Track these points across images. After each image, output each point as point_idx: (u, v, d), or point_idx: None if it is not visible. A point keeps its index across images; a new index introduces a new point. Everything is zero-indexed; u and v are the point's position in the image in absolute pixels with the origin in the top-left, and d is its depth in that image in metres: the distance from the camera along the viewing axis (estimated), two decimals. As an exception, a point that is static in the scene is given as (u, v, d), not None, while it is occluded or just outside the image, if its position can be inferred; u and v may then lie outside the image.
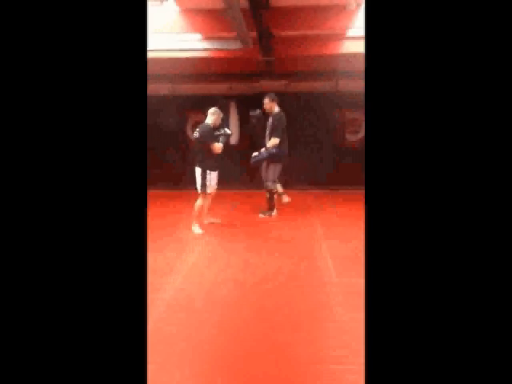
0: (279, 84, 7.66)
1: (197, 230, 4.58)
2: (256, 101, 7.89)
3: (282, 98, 7.80)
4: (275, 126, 4.95)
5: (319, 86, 7.48)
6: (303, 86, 7.75)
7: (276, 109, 5.10)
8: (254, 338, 2.31)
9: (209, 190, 4.54)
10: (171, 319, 2.54)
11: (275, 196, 5.27)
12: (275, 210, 5.28)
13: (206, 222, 4.89)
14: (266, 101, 5.07)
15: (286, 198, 5.69)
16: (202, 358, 2.11)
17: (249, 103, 7.89)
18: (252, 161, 5.20)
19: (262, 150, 5.06)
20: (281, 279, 3.20)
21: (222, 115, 4.65)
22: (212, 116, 4.58)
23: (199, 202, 4.55)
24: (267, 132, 5.08)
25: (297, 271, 3.37)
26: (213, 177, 4.58)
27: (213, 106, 4.51)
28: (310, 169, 7.82)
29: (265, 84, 7.69)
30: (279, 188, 5.52)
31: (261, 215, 5.27)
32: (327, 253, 3.78)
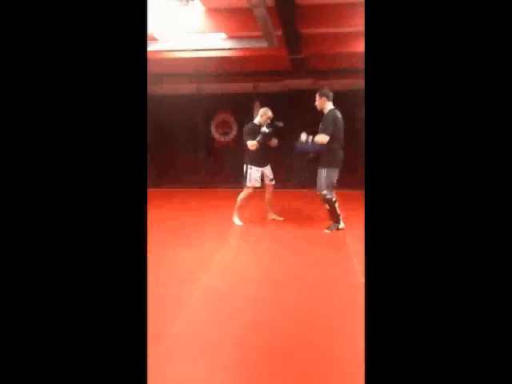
0: (305, 82, 7.56)
1: (237, 221, 4.89)
2: (281, 99, 7.87)
3: (308, 96, 7.69)
4: (326, 125, 4.27)
5: (347, 83, 7.33)
6: (330, 84, 7.62)
7: (329, 106, 4.38)
8: (289, 337, 2.30)
9: (249, 184, 4.74)
10: (205, 315, 2.55)
11: (337, 205, 4.49)
12: (342, 222, 4.57)
13: (269, 217, 5.11)
14: (317, 97, 4.42)
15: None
16: (235, 355, 2.11)
17: (274, 102, 7.87)
18: (296, 146, 4.61)
19: (311, 138, 4.43)
20: (310, 279, 3.19)
21: (270, 115, 4.78)
22: (259, 117, 4.78)
23: (241, 194, 4.83)
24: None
25: (327, 272, 3.33)
26: (253, 171, 4.74)
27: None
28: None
29: (291, 82, 7.61)
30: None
31: (326, 231, 4.54)
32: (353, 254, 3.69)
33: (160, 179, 8.10)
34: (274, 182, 4.92)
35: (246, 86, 7.81)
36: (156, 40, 5.05)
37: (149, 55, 5.70)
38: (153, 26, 4.46)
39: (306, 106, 7.99)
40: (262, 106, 4.84)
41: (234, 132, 8.09)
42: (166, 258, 3.70)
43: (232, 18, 4.43)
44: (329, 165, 4.34)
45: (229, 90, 7.91)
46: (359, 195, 6.03)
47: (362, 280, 3.10)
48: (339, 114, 4.39)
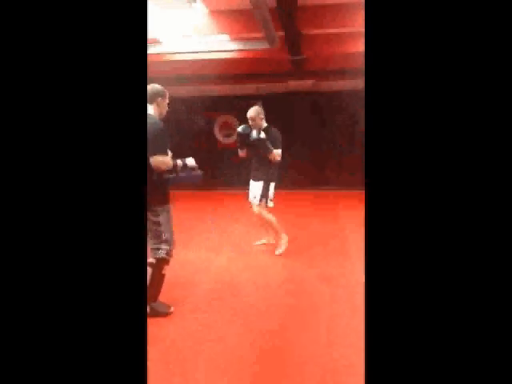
0: (307, 83, 7.61)
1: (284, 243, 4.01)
2: (283, 101, 7.93)
3: (310, 98, 7.74)
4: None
5: (348, 84, 7.38)
6: (331, 85, 7.68)
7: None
8: (290, 339, 2.29)
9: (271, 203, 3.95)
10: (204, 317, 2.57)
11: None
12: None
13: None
14: (254, 115, 3.74)
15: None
16: (234, 358, 2.12)
17: (276, 103, 7.93)
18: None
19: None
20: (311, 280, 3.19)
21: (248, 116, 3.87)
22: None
23: (269, 216, 3.95)
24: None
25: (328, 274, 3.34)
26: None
27: (249, 106, 3.97)
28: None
29: (292, 83, 7.67)
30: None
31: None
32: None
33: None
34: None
35: (249, 88, 7.87)
36: (160, 42, 5.12)
37: (152, 58, 5.76)
38: (156, 29, 4.53)
39: (308, 107, 8.08)
40: (264, 108, 4.29)
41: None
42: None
43: (235, 19, 4.49)
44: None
45: (231, 92, 7.97)
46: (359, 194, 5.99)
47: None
48: None
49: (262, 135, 3.55)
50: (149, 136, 2.37)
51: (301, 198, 7.21)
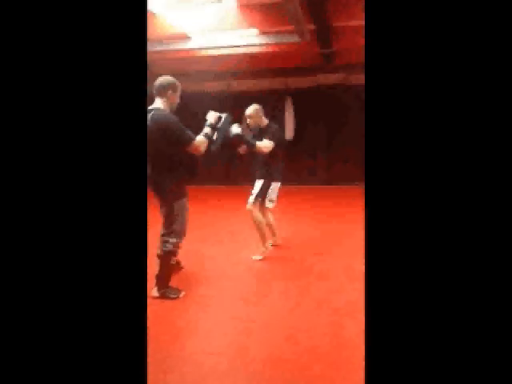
0: (337, 77, 7.49)
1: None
2: (312, 95, 7.82)
3: (340, 91, 7.60)
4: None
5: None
6: (361, 79, 7.51)
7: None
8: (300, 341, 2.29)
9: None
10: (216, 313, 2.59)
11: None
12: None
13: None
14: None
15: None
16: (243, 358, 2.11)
17: (305, 98, 7.84)
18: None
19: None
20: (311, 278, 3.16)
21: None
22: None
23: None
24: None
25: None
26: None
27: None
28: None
29: (322, 77, 7.56)
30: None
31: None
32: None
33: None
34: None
35: (277, 83, 7.81)
36: (189, 38, 5.14)
37: (181, 54, 5.80)
38: (185, 24, 4.54)
39: (337, 102, 7.95)
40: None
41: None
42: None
43: (264, 13, 4.45)
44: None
45: (259, 86, 7.94)
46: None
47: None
48: None
49: (239, 130, 3.11)
50: (168, 129, 2.51)
51: (323, 195, 7.11)
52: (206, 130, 2.70)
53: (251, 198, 3.55)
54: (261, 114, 3.54)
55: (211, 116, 2.77)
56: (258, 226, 3.59)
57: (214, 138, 2.78)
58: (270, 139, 3.41)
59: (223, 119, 2.81)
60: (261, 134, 3.47)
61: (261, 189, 3.55)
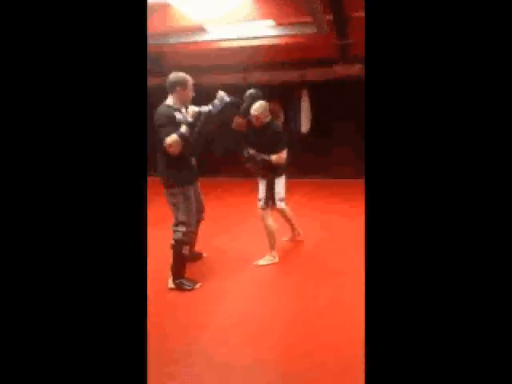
0: (354, 69, 7.36)
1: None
2: (329, 88, 7.71)
3: (357, 83, 7.46)
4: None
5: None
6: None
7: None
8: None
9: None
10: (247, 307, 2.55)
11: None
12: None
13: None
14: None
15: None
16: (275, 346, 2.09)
17: (321, 90, 7.73)
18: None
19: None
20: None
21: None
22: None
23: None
24: None
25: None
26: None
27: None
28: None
29: (339, 69, 7.44)
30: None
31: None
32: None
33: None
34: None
35: (293, 74, 7.72)
36: (204, 30, 5.10)
37: (197, 46, 5.77)
38: (201, 16, 4.51)
39: (355, 94, 7.81)
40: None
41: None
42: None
43: (280, 4, 4.38)
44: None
45: (276, 78, 7.86)
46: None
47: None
48: None
49: (231, 98, 3.10)
50: (155, 124, 2.51)
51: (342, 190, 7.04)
52: (183, 129, 2.57)
53: (259, 205, 3.33)
54: (267, 109, 3.33)
55: (191, 111, 2.68)
56: (267, 234, 3.37)
57: (193, 137, 2.63)
58: (282, 146, 3.22)
59: (203, 115, 2.73)
60: (264, 130, 3.27)
61: (266, 190, 3.33)
